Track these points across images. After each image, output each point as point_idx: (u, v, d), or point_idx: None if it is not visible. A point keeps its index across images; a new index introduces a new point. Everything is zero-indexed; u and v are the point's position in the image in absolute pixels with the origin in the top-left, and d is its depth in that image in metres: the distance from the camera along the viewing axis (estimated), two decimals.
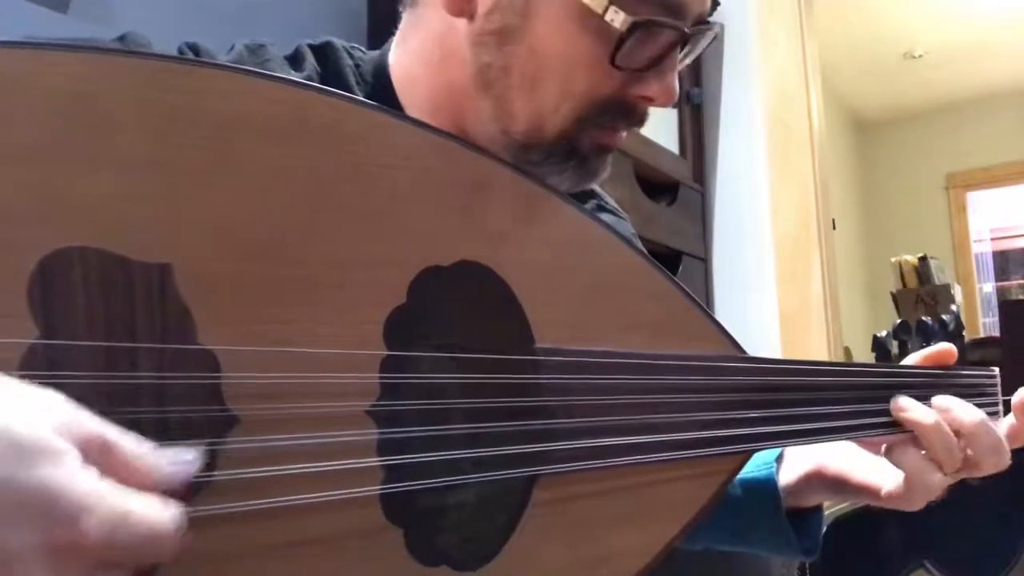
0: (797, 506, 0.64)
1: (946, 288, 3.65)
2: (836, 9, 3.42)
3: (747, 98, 2.21)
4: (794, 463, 0.64)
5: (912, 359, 0.63)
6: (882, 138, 4.99)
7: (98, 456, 0.29)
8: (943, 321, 0.70)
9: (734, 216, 2.18)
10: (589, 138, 0.54)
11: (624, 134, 0.58)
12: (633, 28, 0.50)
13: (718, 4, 2.20)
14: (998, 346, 0.65)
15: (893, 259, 3.78)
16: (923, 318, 0.70)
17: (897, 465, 0.56)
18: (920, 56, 4.16)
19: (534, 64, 0.52)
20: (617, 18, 0.50)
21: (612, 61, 0.51)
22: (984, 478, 0.58)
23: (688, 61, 0.58)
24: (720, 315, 0.54)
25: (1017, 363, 0.64)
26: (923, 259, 3.72)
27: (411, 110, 0.60)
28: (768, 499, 0.64)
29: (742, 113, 2.20)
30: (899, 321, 0.72)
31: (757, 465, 0.65)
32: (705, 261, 2.15)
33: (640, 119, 0.56)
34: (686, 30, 0.53)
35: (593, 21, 0.50)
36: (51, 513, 0.27)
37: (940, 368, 0.61)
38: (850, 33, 3.78)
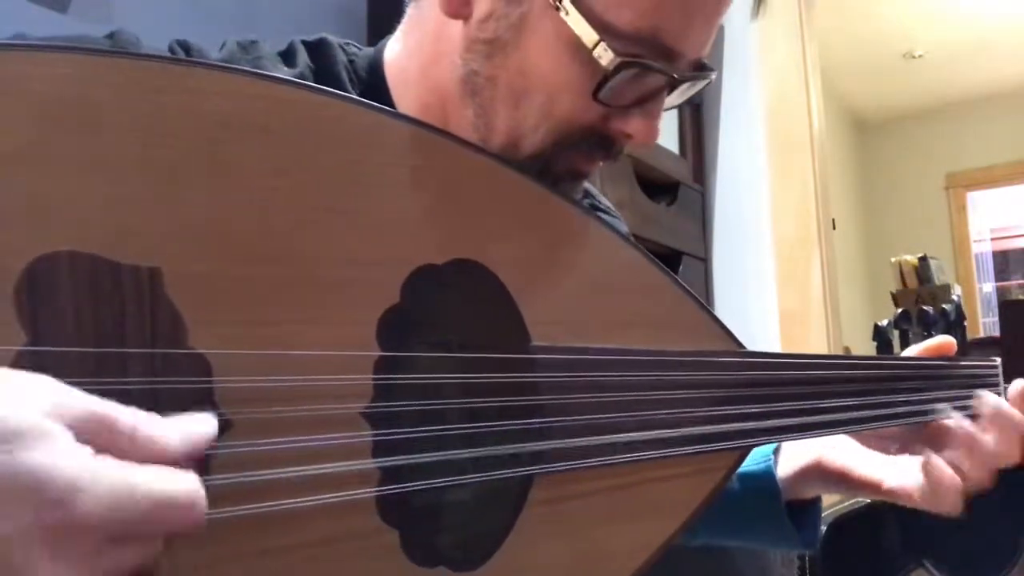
0: (795, 498, 0.64)
1: (946, 288, 3.64)
2: (836, 9, 3.42)
3: (747, 98, 2.20)
4: (792, 456, 0.64)
5: (912, 351, 0.64)
6: (882, 138, 4.99)
7: (97, 434, 0.29)
8: (944, 311, 0.70)
9: (734, 216, 2.18)
10: (564, 162, 0.54)
11: (600, 164, 0.57)
12: (619, 68, 0.49)
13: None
14: (998, 346, 0.65)
15: (893, 259, 3.78)
16: (924, 307, 0.70)
17: (927, 476, 0.57)
18: (920, 56, 4.16)
19: (520, 80, 0.52)
20: (605, 55, 0.49)
21: (595, 96, 0.50)
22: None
23: (677, 103, 0.57)
24: (720, 315, 0.53)
25: (1017, 363, 0.64)
26: (923, 259, 3.71)
27: (402, 107, 0.59)
28: (767, 493, 0.64)
29: (742, 113, 2.20)
30: (900, 310, 0.72)
31: (755, 459, 0.65)
32: (705, 261, 2.15)
33: (617, 153, 0.55)
34: (676, 76, 0.52)
35: (583, 51, 0.49)
36: (40, 496, 0.27)
37: (941, 359, 0.61)
38: (850, 33, 3.78)
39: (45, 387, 0.29)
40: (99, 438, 0.29)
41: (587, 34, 0.49)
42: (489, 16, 0.52)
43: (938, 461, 0.57)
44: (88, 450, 0.28)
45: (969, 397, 0.60)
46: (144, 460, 0.29)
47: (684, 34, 0.50)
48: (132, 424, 0.30)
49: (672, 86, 0.53)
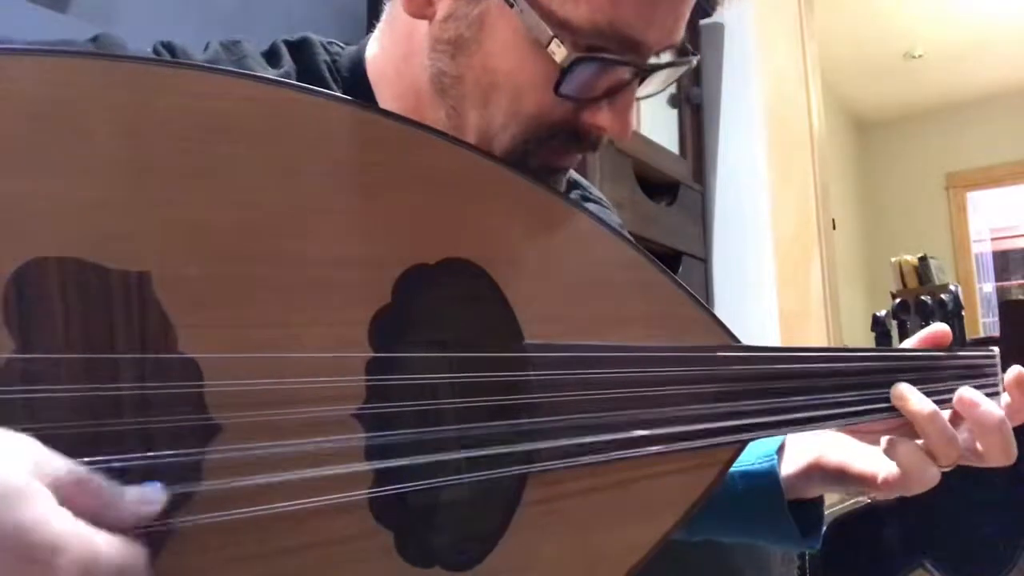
0: (798, 498, 0.64)
1: (945, 288, 3.63)
2: (836, 9, 3.42)
3: (747, 98, 2.20)
4: (794, 455, 0.64)
5: (910, 343, 0.63)
6: (882, 138, 4.99)
7: (70, 496, 0.29)
8: (942, 300, 0.69)
9: (734, 216, 2.18)
10: (538, 158, 0.53)
11: (578, 156, 0.56)
12: (575, 63, 0.48)
13: (713, 10, 2.19)
14: (998, 346, 0.65)
15: (893, 259, 3.78)
16: (922, 297, 0.69)
17: (892, 459, 0.56)
18: (920, 56, 4.15)
19: (486, 79, 0.51)
20: (559, 51, 0.48)
21: (556, 91, 0.49)
22: (988, 471, 0.58)
23: (659, 90, 0.56)
24: (720, 315, 0.53)
25: (1017, 363, 0.64)
26: (923, 259, 3.71)
27: (383, 105, 0.59)
28: (770, 492, 0.64)
29: (742, 113, 2.20)
30: (898, 300, 0.71)
31: (759, 457, 0.65)
32: (705, 261, 2.15)
33: (592, 145, 0.54)
34: (642, 66, 0.51)
35: (540, 47, 0.48)
36: (28, 554, 0.27)
37: (938, 349, 0.61)
38: (850, 33, 3.78)
39: (28, 447, 0.29)
40: (75, 500, 0.29)
41: (541, 30, 0.48)
42: (450, 16, 0.52)
43: (895, 440, 0.56)
44: (68, 512, 0.29)
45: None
46: (108, 525, 0.30)
47: (645, 24, 0.49)
48: (101, 490, 0.31)
49: (641, 76, 0.52)
